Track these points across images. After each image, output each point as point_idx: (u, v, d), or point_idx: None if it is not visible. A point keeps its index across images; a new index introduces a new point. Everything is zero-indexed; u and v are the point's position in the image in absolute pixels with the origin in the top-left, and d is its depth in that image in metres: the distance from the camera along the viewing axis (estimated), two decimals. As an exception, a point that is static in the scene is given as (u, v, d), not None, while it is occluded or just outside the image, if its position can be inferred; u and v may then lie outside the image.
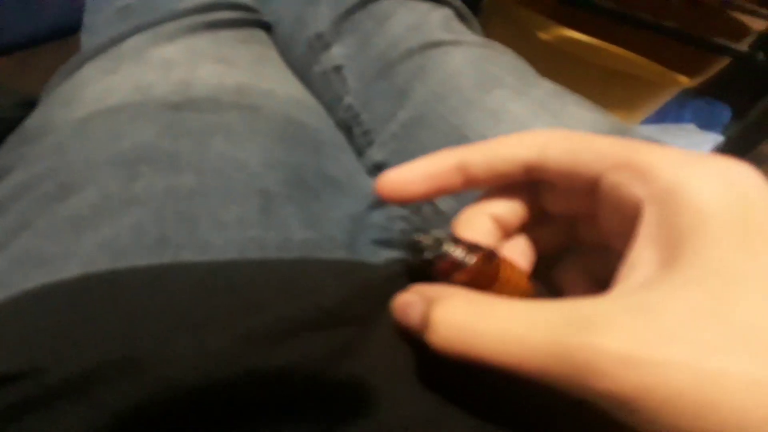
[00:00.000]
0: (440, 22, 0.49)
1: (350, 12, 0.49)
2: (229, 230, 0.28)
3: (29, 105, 0.39)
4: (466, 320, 0.20)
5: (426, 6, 0.50)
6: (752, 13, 1.11)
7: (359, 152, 0.48)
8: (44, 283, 0.25)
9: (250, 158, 0.32)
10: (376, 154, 0.46)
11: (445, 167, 0.25)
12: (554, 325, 0.18)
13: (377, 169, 0.46)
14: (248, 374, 0.22)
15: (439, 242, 0.24)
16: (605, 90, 1.12)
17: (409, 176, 0.25)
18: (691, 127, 1.64)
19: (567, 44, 1.07)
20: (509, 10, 1.14)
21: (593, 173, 0.22)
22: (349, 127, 0.48)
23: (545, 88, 0.47)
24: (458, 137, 0.43)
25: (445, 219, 0.42)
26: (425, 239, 0.25)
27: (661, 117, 1.56)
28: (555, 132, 0.24)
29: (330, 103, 0.49)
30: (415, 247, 0.25)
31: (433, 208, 0.42)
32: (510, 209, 0.27)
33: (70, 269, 0.26)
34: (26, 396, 0.21)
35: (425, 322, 0.22)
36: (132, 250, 0.26)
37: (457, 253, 0.24)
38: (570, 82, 0.55)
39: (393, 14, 0.49)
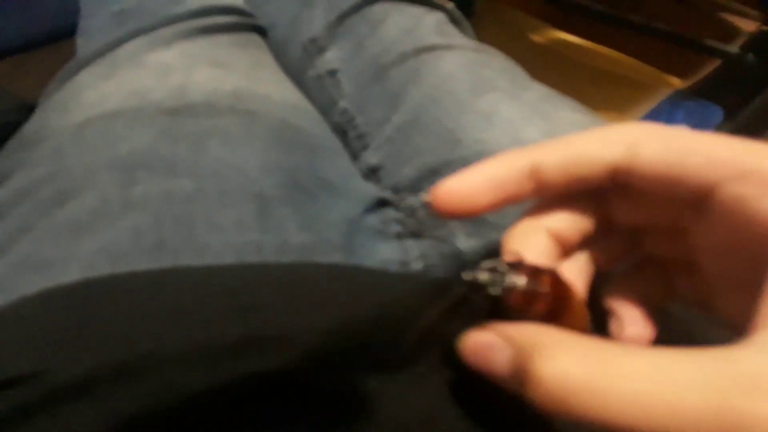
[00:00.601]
0: (433, 26, 0.50)
1: (344, 16, 0.50)
2: (227, 234, 0.28)
3: (28, 109, 0.39)
4: (585, 378, 0.16)
5: (419, 10, 0.51)
6: (742, 15, 1.12)
7: (354, 156, 0.48)
8: (44, 287, 0.25)
9: (247, 162, 0.33)
10: (371, 158, 0.47)
11: (514, 172, 0.21)
12: (719, 387, 0.15)
13: (372, 172, 0.46)
14: (248, 377, 0.23)
15: (499, 274, 0.21)
16: (597, 91, 1.13)
17: (470, 185, 0.21)
18: (683, 128, 1.66)
19: (559, 46, 1.08)
20: (502, 13, 1.15)
21: (704, 182, 0.19)
22: (344, 131, 0.48)
23: (537, 91, 0.48)
24: (452, 140, 0.44)
25: (441, 224, 0.42)
26: (482, 275, 0.21)
27: (654, 118, 1.58)
28: (647, 127, 0.20)
29: (325, 106, 0.49)
30: (474, 286, 0.21)
31: (427, 210, 0.43)
32: (571, 222, 0.23)
33: (70, 274, 0.26)
34: (29, 399, 0.21)
35: (520, 374, 0.18)
36: (130, 254, 0.27)
37: (526, 282, 0.20)
38: (563, 84, 0.55)
39: (387, 18, 0.49)
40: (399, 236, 0.39)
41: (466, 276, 0.21)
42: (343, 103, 0.48)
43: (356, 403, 0.24)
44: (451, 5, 0.55)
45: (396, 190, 0.44)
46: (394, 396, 0.25)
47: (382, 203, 0.42)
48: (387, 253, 0.36)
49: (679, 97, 1.56)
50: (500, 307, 0.21)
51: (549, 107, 0.47)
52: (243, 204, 0.30)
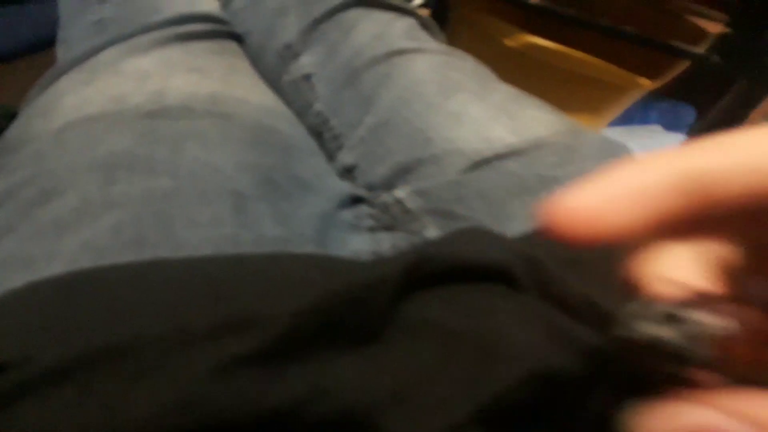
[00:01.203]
0: (403, 31, 0.52)
1: (317, 23, 0.51)
2: (204, 229, 0.30)
3: (11, 117, 0.40)
4: None
5: (389, 16, 0.53)
6: (707, 17, 1.16)
7: (330, 156, 0.50)
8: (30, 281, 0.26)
9: (223, 162, 0.34)
10: (345, 158, 0.48)
11: (664, 182, 0.15)
12: None
13: (348, 171, 0.48)
14: (227, 360, 0.24)
15: (682, 321, 0.15)
16: (571, 94, 1.16)
17: (604, 198, 0.15)
18: (656, 128, 1.69)
19: (532, 51, 1.11)
20: (476, 20, 1.18)
21: None
22: (319, 133, 0.50)
23: (504, 92, 0.50)
24: (422, 139, 0.46)
25: (413, 218, 0.44)
26: (661, 330, 0.15)
27: (628, 119, 1.61)
28: None
29: (300, 109, 0.51)
30: (653, 348, 0.15)
31: (400, 207, 0.45)
32: (740, 246, 0.17)
33: (54, 269, 0.27)
34: (16, 384, 0.23)
35: None
36: (112, 249, 0.28)
37: (726, 322, 0.15)
38: (536, 87, 0.57)
39: (358, 24, 0.51)
40: (372, 230, 0.41)
41: (636, 335, 0.15)
42: (318, 106, 0.50)
43: (327, 379, 0.26)
44: (421, 11, 0.58)
45: (370, 188, 0.46)
46: (364, 371, 0.26)
47: (356, 200, 0.43)
48: (359, 244, 0.38)
49: (653, 98, 1.60)
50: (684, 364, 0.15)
51: (515, 107, 0.49)
52: (220, 201, 0.32)
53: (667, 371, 0.15)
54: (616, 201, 0.15)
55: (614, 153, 0.48)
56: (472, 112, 0.47)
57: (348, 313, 0.26)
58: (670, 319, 0.15)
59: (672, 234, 0.17)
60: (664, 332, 0.15)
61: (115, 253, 0.28)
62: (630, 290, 0.18)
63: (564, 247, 0.41)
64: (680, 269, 0.17)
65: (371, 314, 0.27)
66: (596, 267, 0.36)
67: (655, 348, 0.15)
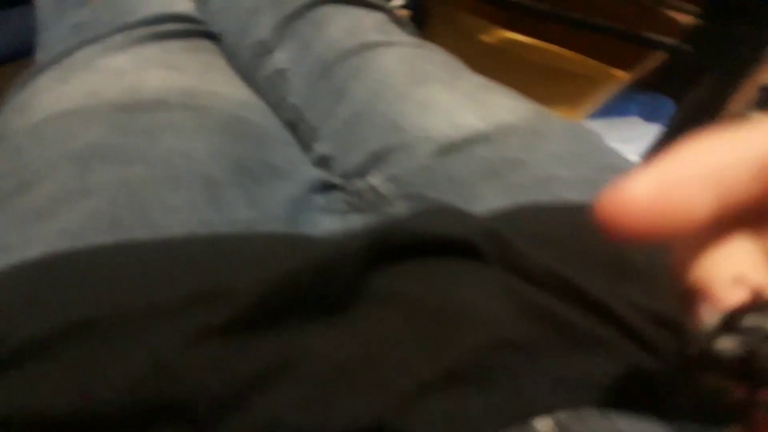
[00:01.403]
0: (374, 25, 0.54)
1: (290, 19, 0.53)
2: (178, 213, 0.31)
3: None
4: None
5: (361, 11, 0.55)
6: (679, 9, 1.19)
7: (306, 147, 0.51)
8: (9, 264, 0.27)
9: (197, 150, 0.36)
10: (321, 148, 0.50)
11: (737, 167, 0.13)
12: None
13: (323, 161, 0.49)
14: (200, 331, 0.26)
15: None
16: (549, 88, 1.18)
17: (670, 184, 0.13)
18: (636, 120, 1.72)
19: (510, 46, 1.13)
20: (454, 18, 1.20)
21: None
22: (294, 125, 0.51)
23: (473, 81, 0.52)
24: (394, 127, 0.47)
25: (387, 203, 0.45)
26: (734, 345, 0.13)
27: (607, 112, 1.64)
28: None
29: (276, 103, 0.52)
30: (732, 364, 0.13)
31: (374, 192, 0.46)
32: None
33: (31, 254, 0.29)
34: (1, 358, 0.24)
35: None
36: (88, 233, 0.29)
37: None
38: (515, 83, 0.59)
39: (330, 20, 0.53)
40: (344, 212, 0.42)
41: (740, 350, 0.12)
42: (292, 100, 0.51)
43: (297, 347, 0.27)
44: (406, 14, 0.59)
45: (345, 176, 0.48)
46: (333, 339, 0.28)
47: (330, 187, 0.45)
48: (331, 225, 0.39)
49: (632, 90, 1.62)
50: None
51: (484, 94, 0.51)
52: (193, 187, 0.33)
53: (739, 394, 0.13)
54: (683, 186, 0.13)
55: (581, 137, 0.49)
56: (442, 101, 0.48)
57: (315, 284, 0.27)
58: (744, 331, 0.12)
59: (735, 226, 0.14)
60: (736, 346, 0.12)
61: (91, 237, 0.29)
62: (688, 294, 0.15)
63: (529, 225, 0.42)
64: (747, 267, 0.14)
65: (338, 285, 0.28)
66: (565, 243, 0.38)
67: (725, 365, 0.12)
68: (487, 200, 0.42)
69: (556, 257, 0.34)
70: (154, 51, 0.46)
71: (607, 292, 0.32)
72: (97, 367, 0.24)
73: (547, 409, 0.25)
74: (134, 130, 0.36)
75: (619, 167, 0.47)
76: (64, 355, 0.24)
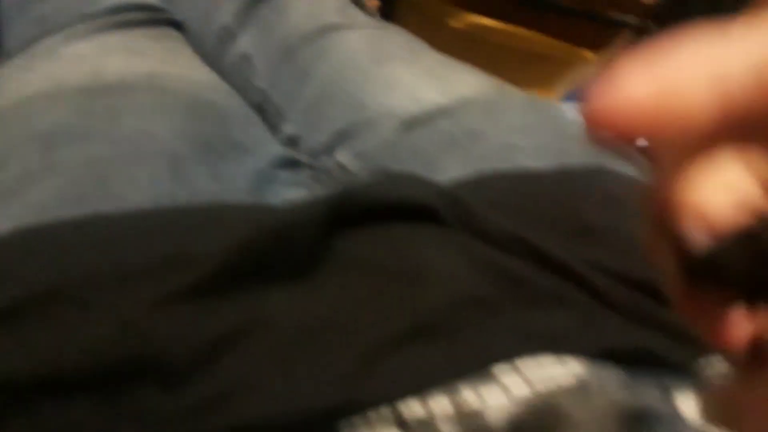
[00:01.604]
0: (335, 8, 0.55)
1: (252, 4, 0.54)
2: (142, 187, 0.32)
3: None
4: None
5: None
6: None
7: (274, 129, 0.52)
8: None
9: (160, 129, 0.36)
10: (288, 129, 0.51)
11: (742, 66, 0.11)
12: None
13: (291, 142, 0.50)
14: (165, 295, 0.27)
15: None
16: (519, 71, 1.20)
17: (665, 83, 0.12)
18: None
19: (478, 30, 1.15)
20: (422, 4, 1.21)
21: None
22: (262, 108, 0.53)
23: (434, 58, 0.53)
24: (358, 105, 0.49)
25: (354, 178, 0.47)
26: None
27: (582, 94, 1.66)
28: None
29: (243, 88, 0.53)
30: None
31: (341, 169, 0.47)
32: None
33: (1, 229, 0.29)
34: None
35: None
36: (55, 209, 0.30)
37: None
38: (485, 66, 0.60)
39: (291, 3, 0.54)
40: (309, 186, 0.44)
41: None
42: (258, 83, 0.52)
43: (263, 310, 0.28)
44: (375, 3, 0.61)
45: (313, 155, 0.49)
46: (299, 302, 0.29)
47: (297, 164, 0.46)
48: (294, 196, 0.40)
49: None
50: None
51: (445, 71, 0.52)
52: (157, 163, 0.34)
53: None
54: (684, 86, 0.11)
55: (539, 108, 0.51)
56: (404, 78, 0.50)
57: (277, 248, 0.28)
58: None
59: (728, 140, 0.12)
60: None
61: (58, 213, 0.30)
62: (668, 218, 0.13)
63: (490, 191, 0.44)
64: (741, 186, 0.13)
65: (300, 249, 0.29)
66: (524, 207, 0.39)
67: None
68: (449, 171, 0.44)
69: (516, 220, 0.36)
70: (116, 38, 0.47)
71: (565, 252, 0.33)
72: (67, 331, 0.25)
73: (506, 357, 0.26)
74: (97, 111, 0.36)
75: (578, 136, 0.49)
76: (35, 320, 0.25)
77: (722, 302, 0.14)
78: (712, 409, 0.14)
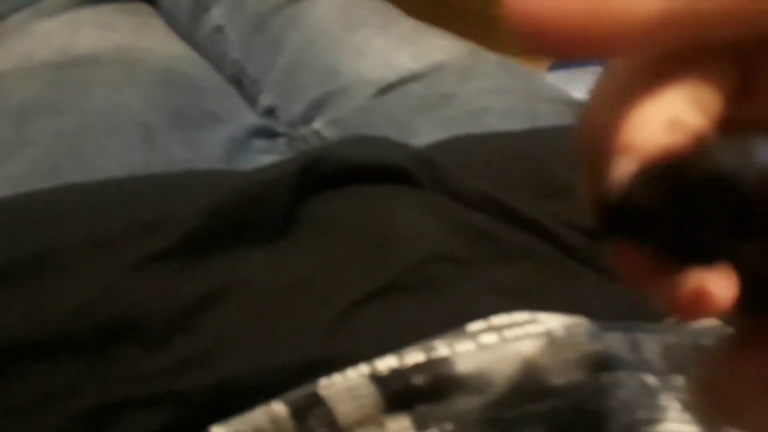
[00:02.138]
0: None
1: None
2: (115, 157, 0.33)
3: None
4: None
5: None
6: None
7: (252, 101, 0.53)
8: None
9: (131, 101, 0.37)
10: (265, 100, 0.51)
11: None
12: None
13: (269, 113, 0.51)
14: (142, 258, 0.27)
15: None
16: (504, 41, 1.20)
17: None
18: (597, 69, 1.75)
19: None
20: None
21: None
22: (238, 80, 0.53)
23: (406, 24, 0.53)
24: (332, 73, 0.49)
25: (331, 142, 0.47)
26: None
27: (569, 63, 1.66)
28: None
29: (217, 60, 0.54)
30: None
31: (317, 137, 0.48)
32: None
33: None
34: None
35: None
36: (29, 180, 0.31)
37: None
38: (470, 38, 0.60)
39: None
40: (284, 154, 0.44)
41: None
42: (232, 55, 0.53)
43: (240, 272, 0.29)
44: None
45: (291, 125, 0.49)
46: (275, 263, 0.30)
47: (275, 134, 0.47)
48: (268, 161, 0.41)
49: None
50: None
51: (417, 36, 0.52)
52: (129, 132, 0.35)
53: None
54: None
55: (512, 71, 0.51)
56: (376, 44, 0.50)
57: (249, 210, 0.29)
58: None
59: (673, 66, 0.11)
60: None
61: (33, 184, 0.30)
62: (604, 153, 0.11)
63: (461, 152, 0.44)
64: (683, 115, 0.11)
65: (273, 211, 0.30)
66: (495, 167, 0.40)
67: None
68: (423, 134, 0.44)
69: (487, 180, 0.37)
70: (85, 14, 0.47)
71: (535, 209, 0.34)
72: (47, 294, 0.26)
73: (481, 315, 0.27)
74: (68, 85, 0.37)
75: (550, 98, 0.49)
76: (14, 285, 0.26)
77: (657, 264, 0.11)
78: (699, 402, 0.12)
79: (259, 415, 0.23)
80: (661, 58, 0.11)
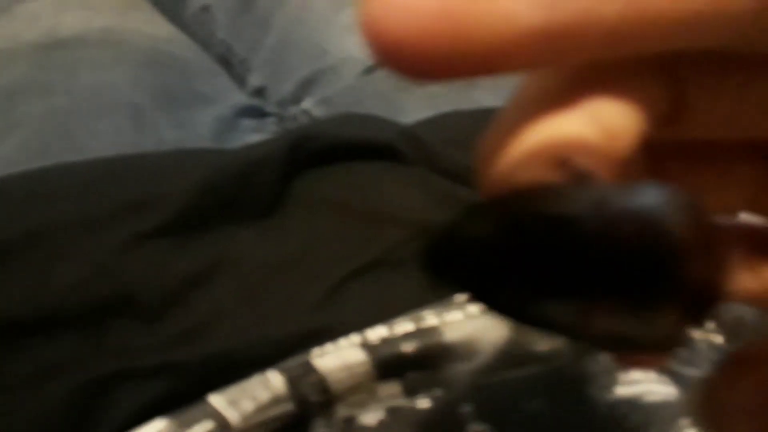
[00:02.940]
0: None
1: None
2: (104, 137, 0.33)
3: None
4: None
5: None
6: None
7: (241, 81, 0.53)
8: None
9: (118, 81, 0.37)
10: (254, 80, 0.51)
11: None
12: None
13: (259, 93, 0.51)
14: (133, 236, 0.28)
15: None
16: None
17: None
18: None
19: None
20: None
21: None
22: (226, 60, 0.53)
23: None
24: (320, 52, 0.49)
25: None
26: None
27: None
28: None
29: (205, 40, 0.54)
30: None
31: (308, 116, 0.48)
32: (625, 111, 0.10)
33: None
34: None
35: None
36: (20, 162, 0.31)
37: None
38: None
39: None
40: (273, 133, 0.45)
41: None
42: (220, 34, 0.53)
43: (232, 248, 0.30)
44: None
45: (281, 104, 0.50)
46: (267, 240, 0.30)
47: (264, 114, 0.47)
48: (257, 141, 0.41)
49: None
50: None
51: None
52: (118, 113, 0.35)
53: None
54: None
55: None
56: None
57: (238, 186, 0.29)
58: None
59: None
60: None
61: (23, 165, 0.31)
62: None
63: (448, 129, 0.45)
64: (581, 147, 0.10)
65: (262, 188, 0.31)
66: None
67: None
68: (410, 111, 0.45)
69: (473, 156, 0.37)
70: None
71: None
72: (42, 273, 0.26)
73: None
74: (55, 66, 0.37)
75: None
76: (10, 264, 0.26)
77: None
78: (700, 409, 0.12)
79: (254, 383, 0.24)
80: (568, 73, 0.10)
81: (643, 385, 0.24)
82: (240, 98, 0.47)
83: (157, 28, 0.48)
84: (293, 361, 0.24)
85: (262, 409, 0.23)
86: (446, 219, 0.10)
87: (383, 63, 0.08)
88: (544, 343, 0.27)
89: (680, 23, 0.08)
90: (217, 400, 0.23)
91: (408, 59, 0.07)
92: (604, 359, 0.25)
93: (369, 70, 0.48)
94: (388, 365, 0.26)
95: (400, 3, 0.07)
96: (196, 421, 0.22)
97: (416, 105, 0.45)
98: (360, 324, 0.27)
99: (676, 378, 0.24)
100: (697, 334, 0.25)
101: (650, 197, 0.08)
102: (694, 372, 0.24)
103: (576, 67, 0.09)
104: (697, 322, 0.09)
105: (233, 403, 0.23)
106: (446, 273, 0.10)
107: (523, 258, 0.09)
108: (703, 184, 0.12)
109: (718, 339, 0.24)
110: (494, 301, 0.09)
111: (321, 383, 0.25)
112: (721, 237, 0.09)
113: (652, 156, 0.11)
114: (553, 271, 0.08)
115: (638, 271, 0.08)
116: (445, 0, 0.07)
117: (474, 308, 0.28)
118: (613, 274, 0.08)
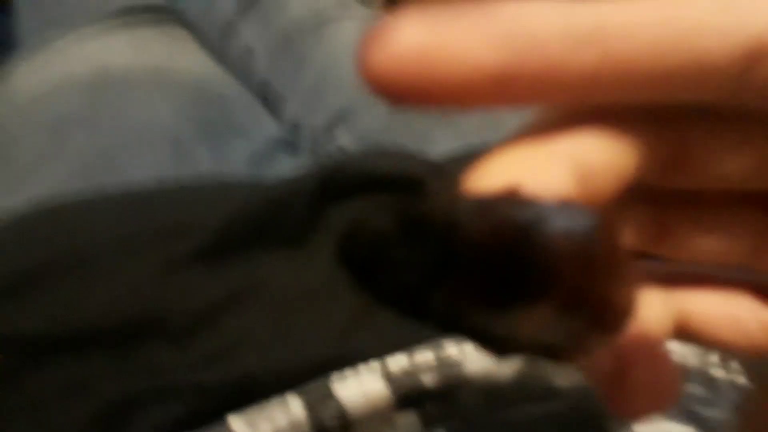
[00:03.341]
0: (334, 0, 0.57)
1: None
2: (147, 169, 0.35)
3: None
4: None
5: None
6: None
7: (277, 115, 0.55)
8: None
9: (163, 116, 0.40)
10: (289, 114, 0.54)
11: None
12: None
13: (293, 126, 0.53)
14: (170, 260, 0.29)
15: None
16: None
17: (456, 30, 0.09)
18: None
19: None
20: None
21: None
22: (264, 96, 0.55)
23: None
24: (354, 88, 0.51)
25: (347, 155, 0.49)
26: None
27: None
28: None
29: (246, 78, 0.56)
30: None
31: (342, 152, 0.50)
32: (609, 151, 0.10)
33: (19, 208, 0.33)
34: None
35: None
36: (66, 190, 0.33)
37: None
38: None
39: None
40: (307, 166, 0.46)
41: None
42: (259, 73, 0.55)
43: (262, 275, 0.31)
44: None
45: (314, 139, 0.52)
46: (295, 269, 0.31)
47: (298, 147, 0.49)
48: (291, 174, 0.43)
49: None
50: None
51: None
52: (161, 147, 0.37)
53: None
54: (472, 33, 0.09)
55: None
56: None
57: (269, 216, 0.31)
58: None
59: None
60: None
61: (68, 192, 0.33)
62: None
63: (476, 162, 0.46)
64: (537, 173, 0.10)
65: (293, 218, 0.32)
66: None
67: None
68: (439, 143, 0.46)
69: None
70: (122, 37, 0.50)
71: None
72: (80, 293, 0.28)
73: None
74: (103, 102, 0.40)
75: None
76: (50, 284, 0.28)
77: None
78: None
79: (273, 406, 0.24)
80: (567, 108, 0.10)
81: (662, 424, 0.23)
82: (274, 130, 0.49)
83: (202, 66, 0.51)
84: (312, 386, 0.25)
85: None
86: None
87: (371, 90, 0.09)
88: (563, 378, 0.27)
89: (662, 77, 0.09)
90: (236, 421, 0.24)
91: (389, 89, 0.09)
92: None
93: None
94: (407, 396, 0.26)
95: (388, 46, 0.08)
96: None
97: (445, 138, 0.46)
98: (381, 351, 0.28)
99: (695, 418, 0.23)
100: (719, 373, 0.24)
101: (541, 210, 0.08)
102: (714, 413, 0.23)
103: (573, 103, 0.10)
104: (604, 334, 0.09)
105: (251, 425, 0.23)
106: (351, 266, 0.10)
107: (408, 257, 0.09)
108: (704, 233, 0.12)
109: (741, 379, 0.24)
110: (382, 294, 0.10)
111: (339, 410, 0.25)
112: (626, 260, 0.09)
113: (655, 202, 0.12)
114: (431, 270, 0.09)
115: (507, 272, 0.08)
116: (422, 44, 0.08)
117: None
118: (486, 275, 0.08)
